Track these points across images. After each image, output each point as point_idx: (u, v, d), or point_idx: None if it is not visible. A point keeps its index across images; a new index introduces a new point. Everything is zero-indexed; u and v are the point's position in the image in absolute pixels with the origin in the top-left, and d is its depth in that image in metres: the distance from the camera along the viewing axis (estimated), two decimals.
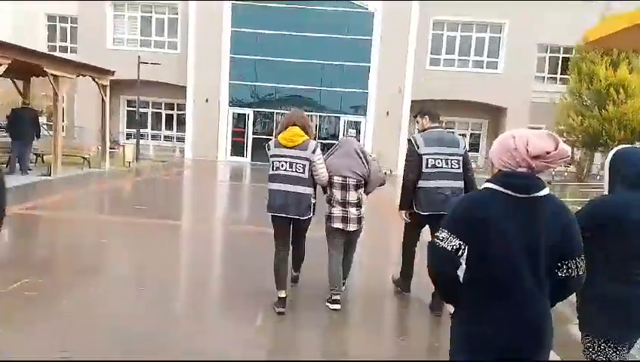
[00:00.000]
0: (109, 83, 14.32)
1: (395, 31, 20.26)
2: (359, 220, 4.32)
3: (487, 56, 21.77)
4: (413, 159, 4.26)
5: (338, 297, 4.31)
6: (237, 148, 21.41)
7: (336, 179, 4.26)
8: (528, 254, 1.67)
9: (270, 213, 4.19)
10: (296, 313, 4.25)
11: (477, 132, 23.48)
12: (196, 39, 20.71)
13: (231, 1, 20.53)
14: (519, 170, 1.73)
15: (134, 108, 23.57)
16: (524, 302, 1.69)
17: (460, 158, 4.27)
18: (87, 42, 21.43)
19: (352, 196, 4.27)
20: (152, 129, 23.96)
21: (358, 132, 20.95)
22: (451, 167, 4.22)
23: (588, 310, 2.31)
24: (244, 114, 21.33)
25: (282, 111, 21.42)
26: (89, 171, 13.48)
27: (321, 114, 21.28)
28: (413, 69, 20.60)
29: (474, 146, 23.38)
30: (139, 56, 17.95)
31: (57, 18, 23.67)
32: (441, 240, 1.76)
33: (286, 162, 4.09)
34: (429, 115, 4.43)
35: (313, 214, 4.23)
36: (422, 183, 4.23)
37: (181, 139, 22.25)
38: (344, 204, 4.26)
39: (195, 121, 21.11)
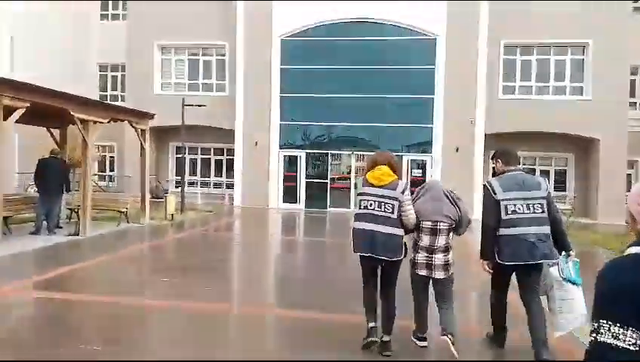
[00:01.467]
0: (148, 127, 12.96)
1: (461, 56, 18.10)
2: (447, 267, 4.15)
3: (570, 81, 19.04)
4: (490, 205, 4.08)
5: (424, 336, 4.25)
6: (289, 194, 19.57)
7: (426, 224, 4.15)
8: None
9: (359, 253, 4.16)
10: None
11: (562, 167, 20.44)
12: (245, 79, 19.48)
13: (280, 37, 19.24)
14: None
15: (183, 155, 22.57)
16: None
17: (544, 201, 4.03)
18: (135, 88, 20.77)
19: (441, 241, 4.16)
20: (201, 176, 22.71)
21: (424, 172, 18.58)
22: (534, 212, 4.00)
23: None
24: (296, 156, 19.61)
25: (337, 152, 19.57)
26: (126, 227, 11.95)
27: None
28: (485, 99, 18.21)
29: (559, 185, 20.31)
30: (183, 99, 16.73)
31: (109, 67, 23.42)
32: (616, 338, 1.20)
33: (375, 201, 4.10)
34: (504, 157, 4.26)
35: (405, 256, 4.14)
36: (503, 231, 4.03)
37: (231, 186, 20.74)
38: (431, 250, 4.15)
39: (244, 166, 19.58)
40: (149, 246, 9.99)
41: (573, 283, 4.01)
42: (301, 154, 19.54)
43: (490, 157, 4.44)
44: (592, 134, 18.59)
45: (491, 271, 4.23)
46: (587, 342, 1.30)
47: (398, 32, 18.68)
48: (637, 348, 1.21)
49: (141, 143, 12.87)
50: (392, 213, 4.05)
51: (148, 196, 13.14)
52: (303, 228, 14.76)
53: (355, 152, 19.27)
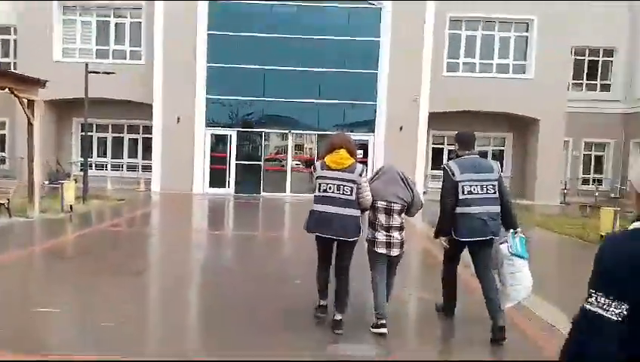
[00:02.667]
0: (38, 98, 10.27)
1: (408, 29, 16.76)
2: (402, 244, 4.40)
3: (514, 59, 18.42)
4: (450, 186, 4.31)
5: (384, 321, 4.24)
6: (217, 178, 17.39)
7: (381, 204, 4.34)
8: None
9: (315, 233, 4.27)
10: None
11: (499, 148, 20.00)
12: (164, 46, 16.82)
13: (207, 0, 16.76)
14: None
15: (90, 133, 19.50)
16: None
17: (496, 183, 4.31)
18: (29, 54, 17.32)
19: (396, 221, 4.36)
20: (112, 157, 19.79)
21: (366, 152, 17.20)
22: (487, 193, 4.27)
23: None
24: (226, 135, 17.41)
25: (272, 131, 17.63)
26: (6, 223, 9.34)
27: (319, 132, 17.48)
28: (430, 75, 17.07)
29: None
30: (86, 64, 13.91)
31: None
32: (602, 308, 1.21)
33: (334, 184, 4.21)
34: (462, 141, 4.53)
35: (360, 235, 4.27)
36: (459, 210, 4.28)
37: (148, 169, 18.12)
38: (388, 228, 4.34)
39: (164, 146, 17.05)
40: (28, 254, 7.58)
41: (521, 258, 4.25)
42: (231, 133, 17.36)
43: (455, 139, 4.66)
44: (533, 114, 18.16)
45: (448, 246, 4.50)
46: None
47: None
48: (620, 319, 1.20)
49: (28, 117, 10.17)
50: (351, 195, 4.19)
51: (39, 182, 10.52)
52: (233, 218, 12.80)
53: (292, 132, 17.44)
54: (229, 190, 17.25)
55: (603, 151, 20.80)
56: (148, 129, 18.24)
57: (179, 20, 16.67)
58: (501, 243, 4.29)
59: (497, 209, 4.26)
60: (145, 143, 19.06)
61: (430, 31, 16.91)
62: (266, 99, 17.14)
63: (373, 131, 17.25)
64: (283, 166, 17.69)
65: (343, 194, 4.18)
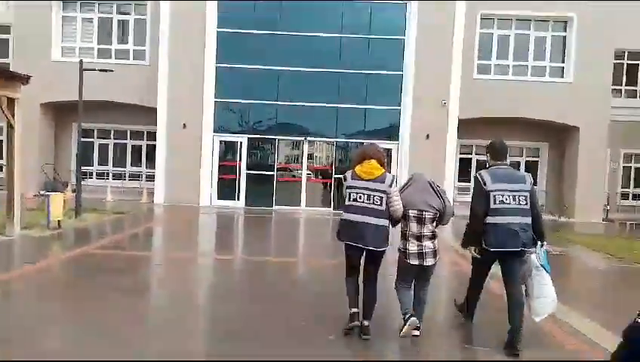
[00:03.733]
0: (19, 96, 8.87)
1: (436, 27, 15.26)
2: (435, 254, 4.38)
3: (551, 61, 16.82)
4: (481, 195, 4.32)
5: (415, 317, 4.31)
6: (226, 189, 15.91)
7: (412, 213, 4.35)
8: None
9: (345, 241, 4.34)
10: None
11: (533, 158, 18.33)
12: (171, 45, 15.46)
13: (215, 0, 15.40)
14: None
15: (91, 139, 18.22)
16: None
17: (527, 194, 4.29)
18: (26, 53, 16.06)
19: (428, 229, 4.36)
20: (113, 165, 18.41)
21: (389, 162, 15.65)
22: (519, 203, 4.25)
23: None
24: (235, 142, 15.96)
25: (286, 138, 16.13)
26: None
27: (337, 140, 15.97)
28: (460, 78, 15.54)
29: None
30: (80, 61, 12.56)
31: None
32: None
33: (364, 194, 4.27)
34: (494, 151, 4.52)
35: (388, 246, 4.31)
36: (490, 219, 4.28)
37: (152, 178, 16.70)
38: (420, 237, 4.34)
39: (168, 154, 15.63)
40: None
41: (546, 271, 4.28)
42: (242, 139, 15.91)
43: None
44: (572, 122, 16.52)
45: (479, 255, 4.44)
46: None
47: None
48: None
49: (8, 120, 8.78)
50: (381, 205, 4.25)
51: (20, 195, 9.10)
52: (244, 238, 11.22)
53: (308, 139, 15.94)
54: (239, 203, 15.75)
55: None
56: (153, 135, 16.82)
57: (186, 17, 15.32)
58: (531, 254, 4.31)
59: (529, 220, 4.26)
60: (149, 151, 17.65)
61: (461, 28, 15.38)
62: (280, 102, 15.68)
63: (397, 139, 15.70)
64: (297, 176, 16.17)
65: (374, 203, 4.25)
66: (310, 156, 16.22)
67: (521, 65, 16.81)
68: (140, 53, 16.75)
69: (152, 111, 15.85)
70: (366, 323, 4.32)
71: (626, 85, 18.24)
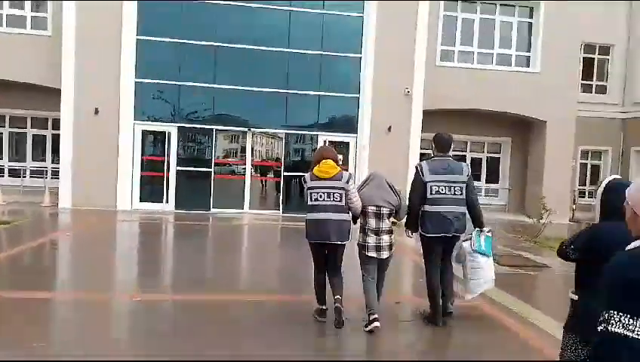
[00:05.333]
0: None
1: (398, 6, 13.38)
2: (390, 247, 4.72)
3: (517, 50, 15.52)
4: (418, 186, 4.72)
5: (377, 316, 4.52)
6: (151, 190, 13.15)
7: (371, 209, 4.66)
8: None
9: (311, 241, 4.68)
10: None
11: (495, 155, 17.10)
12: (78, 12, 12.41)
13: None
14: None
15: None
16: None
17: (464, 185, 4.70)
18: None
19: (386, 224, 4.69)
20: (9, 159, 15.01)
21: (346, 158, 13.62)
22: (454, 194, 4.66)
23: None
24: (163, 133, 13.22)
25: (226, 128, 13.64)
26: None
27: (287, 131, 13.69)
28: (425, 63, 13.80)
29: (491, 176, 16.94)
30: None
31: None
32: (626, 328, 1.33)
33: (324, 193, 4.58)
34: (438, 145, 4.87)
35: (350, 239, 4.69)
36: (426, 208, 4.69)
37: (58, 175, 13.52)
38: (377, 231, 4.66)
39: (77, 146, 12.60)
40: None
41: (483, 255, 4.83)
42: (171, 129, 13.18)
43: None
44: (538, 115, 15.35)
45: (412, 236, 5.05)
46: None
47: None
48: (630, 326, 1.31)
49: None
50: (340, 201, 4.58)
51: None
52: (173, 259, 8.49)
53: (252, 130, 13.50)
54: (168, 206, 13.04)
55: (600, 161, 18.44)
56: (59, 123, 13.65)
57: None
58: (464, 241, 4.86)
59: (463, 209, 4.72)
60: (55, 142, 14.41)
61: (425, 8, 13.61)
62: (219, 86, 13.10)
63: (355, 132, 13.68)
64: (239, 174, 13.70)
65: (334, 200, 4.58)
66: (255, 150, 13.81)
67: (486, 52, 15.39)
68: (40, 21, 13.50)
69: (57, 94, 12.74)
70: (338, 296, 4.63)
71: (581, 80, 17.35)
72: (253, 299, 5.62)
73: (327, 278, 4.80)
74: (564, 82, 14.97)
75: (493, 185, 16.91)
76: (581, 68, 16.98)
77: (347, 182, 4.59)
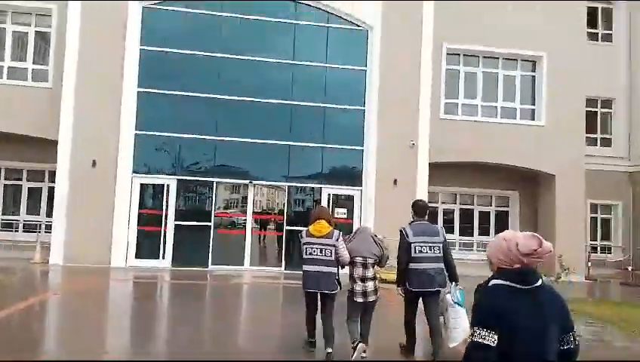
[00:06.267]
0: None
1: (401, 57, 13.36)
2: (375, 291, 5.44)
3: (521, 103, 15.43)
4: (404, 246, 5.35)
5: (362, 343, 5.25)
6: (148, 245, 12.56)
7: (358, 259, 5.43)
8: (544, 337, 2.04)
9: (307, 289, 5.46)
10: None
11: (503, 208, 16.62)
12: (80, 63, 12.33)
13: (141, 4, 12.64)
14: (515, 266, 2.11)
15: None
16: None
17: (441, 245, 5.41)
18: None
19: (370, 272, 5.44)
20: (2, 213, 14.50)
21: (351, 213, 13.15)
22: (434, 252, 5.36)
23: None
24: (161, 186, 12.81)
25: (227, 181, 13.23)
26: None
27: (290, 184, 13.29)
28: (429, 116, 13.61)
29: (500, 231, 16.33)
30: None
31: None
32: (483, 339, 2.01)
33: (317, 248, 5.38)
34: (416, 211, 5.60)
35: (340, 288, 5.45)
36: (412, 266, 5.33)
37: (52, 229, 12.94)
38: (364, 279, 5.39)
39: (71, 199, 12.14)
40: None
41: (461, 306, 5.38)
42: (170, 182, 12.77)
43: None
44: (546, 169, 15.02)
45: (403, 294, 5.56)
46: None
47: (317, 15, 13.36)
48: (494, 344, 1.98)
49: None
50: (330, 256, 5.35)
51: None
52: (166, 329, 7.65)
53: (254, 182, 13.09)
54: (164, 262, 12.41)
55: (610, 214, 17.96)
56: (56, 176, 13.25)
57: (101, 30, 12.34)
58: (447, 293, 5.46)
59: (442, 265, 5.37)
60: (51, 195, 13.93)
61: (428, 60, 13.59)
62: (220, 138, 12.82)
63: (360, 184, 13.28)
64: (240, 228, 13.16)
65: (325, 255, 5.36)
66: (256, 202, 13.35)
67: (490, 105, 15.28)
68: (40, 73, 13.42)
69: (55, 146, 12.42)
70: (329, 350, 5.30)
71: (600, 133, 17.16)
72: None
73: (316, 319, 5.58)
74: (571, 135, 14.77)
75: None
76: (584, 121, 16.88)
77: (337, 240, 5.42)
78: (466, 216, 16.24)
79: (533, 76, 15.41)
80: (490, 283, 2.18)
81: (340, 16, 13.36)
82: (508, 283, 2.09)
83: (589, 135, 16.31)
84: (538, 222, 15.84)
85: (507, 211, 16.47)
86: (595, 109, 17.18)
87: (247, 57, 12.92)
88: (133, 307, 8.68)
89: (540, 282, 2.10)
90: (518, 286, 2.07)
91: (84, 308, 7.97)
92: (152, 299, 9.64)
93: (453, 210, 16.23)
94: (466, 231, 16.10)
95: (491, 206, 16.51)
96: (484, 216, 16.31)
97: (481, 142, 14.35)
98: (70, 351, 5.75)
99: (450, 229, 16.00)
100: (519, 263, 2.10)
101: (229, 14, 12.90)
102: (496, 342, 1.97)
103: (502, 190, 16.29)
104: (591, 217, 17.52)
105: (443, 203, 16.19)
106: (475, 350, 2.02)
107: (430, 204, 15.08)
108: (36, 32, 13.56)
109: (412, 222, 5.55)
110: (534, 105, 15.35)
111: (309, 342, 5.66)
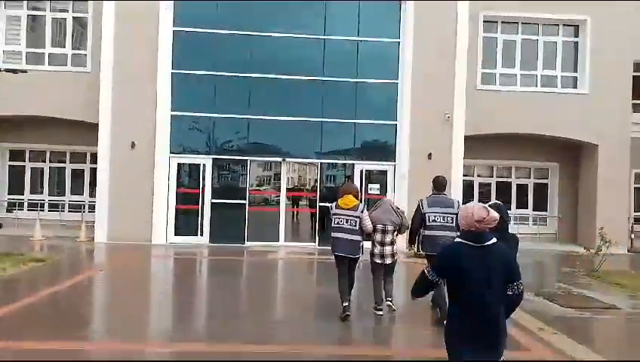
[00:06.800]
0: None
1: (435, 27, 12.99)
2: (393, 255, 6.44)
3: (562, 70, 14.76)
4: (418, 215, 6.19)
5: (381, 307, 6.39)
6: (186, 222, 12.96)
7: (379, 226, 6.36)
8: (488, 282, 2.85)
9: (335, 253, 6.35)
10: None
11: (542, 180, 16.13)
12: (116, 47, 12.60)
13: None
14: (472, 229, 2.93)
15: (22, 163, 15.13)
16: (488, 312, 2.87)
17: (454, 215, 5.86)
18: None
19: (388, 238, 6.38)
20: (49, 193, 15.21)
21: (385, 189, 13.11)
22: (446, 222, 6.04)
23: None
24: (198, 165, 13.09)
25: (260, 159, 13.38)
26: None
27: (323, 160, 13.32)
28: (465, 87, 13.25)
29: (539, 203, 15.92)
30: None
31: None
32: (429, 274, 3.06)
33: (344, 219, 6.24)
34: (435, 186, 6.36)
35: (362, 254, 6.38)
36: (426, 232, 6.15)
37: (95, 209, 13.53)
38: (382, 243, 6.38)
39: (113, 180, 12.60)
40: None
41: None
42: (205, 161, 13.04)
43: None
44: (588, 138, 14.43)
45: (413, 248, 6.90)
46: None
47: None
48: (437, 280, 3.02)
49: None
50: (355, 226, 6.21)
51: None
52: (206, 303, 7.90)
53: (287, 159, 13.21)
54: (202, 239, 12.80)
55: None
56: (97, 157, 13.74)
57: (135, 14, 12.51)
58: None
59: (453, 234, 5.41)
60: (94, 176, 14.47)
61: (465, 30, 13.15)
62: (252, 116, 12.94)
63: (394, 159, 13.17)
64: (274, 205, 13.35)
65: (350, 225, 6.22)
66: (290, 180, 13.47)
67: (530, 74, 14.69)
68: (79, 58, 13.80)
69: (95, 129, 12.86)
70: (346, 303, 6.19)
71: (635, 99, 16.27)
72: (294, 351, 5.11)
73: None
74: (616, 103, 14.09)
75: (541, 213, 15.90)
76: (631, 87, 15.99)
77: (362, 211, 6.26)
78: (504, 189, 15.88)
79: (576, 42, 14.66)
80: (455, 240, 3.09)
81: None
82: (466, 241, 2.92)
83: (635, 101, 15.48)
84: (579, 194, 15.33)
85: (547, 183, 15.98)
86: None
87: (278, 34, 12.86)
88: (174, 284, 9.04)
89: (491, 242, 2.91)
90: (472, 243, 2.90)
91: (128, 284, 8.36)
92: (192, 275, 10.00)
93: (490, 183, 15.88)
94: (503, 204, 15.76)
95: (530, 178, 16.05)
96: (523, 190, 15.89)
97: (520, 113, 13.87)
98: (114, 327, 6.07)
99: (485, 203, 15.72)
100: (474, 227, 2.90)
101: None
102: (436, 281, 3.04)
103: (542, 162, 15.78)
104: (635, 188, 16.79)
105: (479, 176, 15.86)
106: (425, 277, 3.06)
107: (465, 178, 15.06)
108: (73, 17, 13.86)
109: (431, 195, 6.28)
110: (577, 72, 14.64)
111: (344, 307, 6.11)
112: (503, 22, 14.57)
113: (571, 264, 11.06)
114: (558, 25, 14.63)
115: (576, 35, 14.66)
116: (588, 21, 14.28)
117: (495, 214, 2.90)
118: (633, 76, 14.90)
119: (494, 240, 2.92)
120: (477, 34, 14.01)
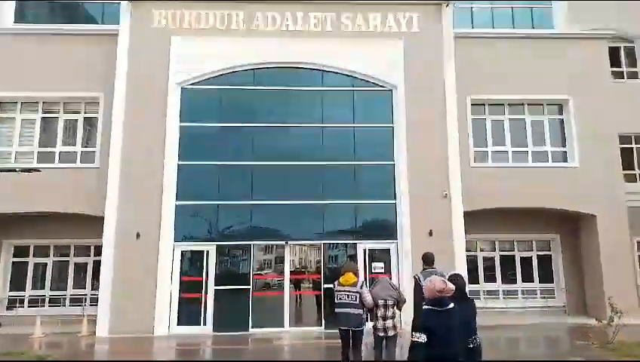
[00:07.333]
0: None
1: (426, 113, 13.74)
2: (395, 328, 7.04)
3: (551, 145, 15.36)
4: (418, 288, 6.74)
5: None
6: (189, 311, 12.75)
7: (381, 302, 7.02)
8: (447, 337, 4.08)
9: (339, 327, 7.14)
10: None
11: (545, 252, 16.10)
12: (125, 142, 13.25)
13: (180, 85, 13.66)
14: (435, 297, 4.22)
15: (25, 259, 15.17)
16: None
17: None
18: None
19: (389, 312, 7.01)
20: (51, 288, 15.08)
21: (389, 266, 13.08)
22: None
23: None
24: (201, 252, 13.17)
25: (263, 242, 13.47)
26: None
27: (325, 241, 13.43)
28: (459, 166, 13.73)
29: (544, 276, 15.75)
30: None
31: None
32: (419, 338, 4.16)
33: (345, 294, 7.05)
34: (425, 261, 7.43)
35: (364, 325, 7.08)
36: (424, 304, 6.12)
37: (96, 302, 13.34)
38: (384, 317, 6.99)
39: (117, 271, 12.61)
40: None
41: None
42: (209, 248, 13.14)
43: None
44: (585, 209, 14.65)
45: (419, 339, 6.02)
46: None
47: (342, 80, 14.05)
48: (424, 341, 4.14)
49: None
50: (356, 300, 6.98)
51: None
52: None
53: (290, 242, 13.32)
54: (206, 328, 12.52)
55: None
56: (101, 250, 13.84)
57: (143, 111, 13.32)
58: None
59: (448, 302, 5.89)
60: (96, 268, 14.48)
61: (453, 114, 13.90)
62: (255, 202, 13.27)
63: (395, 237, 13.29)
64: (278, 288, 13.21)
65: (351, 300, 6.98)
66: (293, 262, 13.47)
67: (521, 150, 15.27)
68: (88, 155, 14.39)
69: (101, 222, 13.11)
70: None
71: (639, 169, 16.71)
72: None
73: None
74: (607, 175, 14.52)
75: (547, 286, 15.70)
76: (620, 160, 16.53)
77: (361, 287, 7.05)
78: (508, 262, 15.83)
79: (562, 119, 15.42)
80: (424, 307, 4.23)
81: (364, 79, 13.99)
82: (432, 307, 4.13)
83: (627, 172, 15.93)
84: (583, 264, 15.24)
85: (550, 256, 15.94)
86: (630, 145, 16.82)
87: (277, 124, 13.58)
88: None
89: (450, 306, 4.16)
90: (436, 308, 4.12)
91: None
92: None
93: (493, 256, 15.85)
94: (509, 278, 15.66)
95: (532, 251, 16.04)
96: (527, 263, 15.83)
97: (515, 188, 14.21)
98: None
99: (491, 277, 15.60)
100: (436, 296, 4.13)
101: (260, 87, 13.74)
102: (425, 340, 4.02)
103: (542, 234, 15.87)
104: (639, 256, 16.71)
105: (482, 250, 15.86)
106: (414, 346, 4.05)
107: (469, 253, 15.09)
108: (85, 117, 14.66)
109: (423, 269, 7.22)
110: (565, 147, 15.24)
111: None
112: (489, 104, 15.41)
113: (584, 336, 10.77)
114: (542, 104, 15.47)
115: (561, 113, 15.45)
116: (570, 101, 15.12)
117: (451, 286, 4.13)
118: (621, 148, 15.52)
119: (452, 305, 4.14)
120: (466, 116, 14.76)
